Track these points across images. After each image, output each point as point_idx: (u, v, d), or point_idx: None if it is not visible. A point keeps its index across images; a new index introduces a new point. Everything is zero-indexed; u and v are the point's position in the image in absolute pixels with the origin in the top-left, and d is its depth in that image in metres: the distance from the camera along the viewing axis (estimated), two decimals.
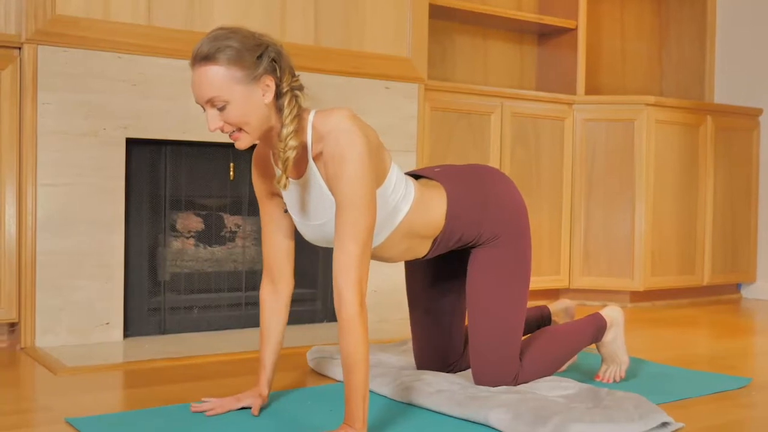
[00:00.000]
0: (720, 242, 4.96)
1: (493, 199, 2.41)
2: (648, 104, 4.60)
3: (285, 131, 2.02)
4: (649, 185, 4.58)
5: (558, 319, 2.93)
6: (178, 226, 3.53)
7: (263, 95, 2.02)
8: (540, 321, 2.87)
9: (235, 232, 3.66)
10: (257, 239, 3.71)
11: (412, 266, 2.62)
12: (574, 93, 4.79)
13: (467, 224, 2.36)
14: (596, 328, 2.62)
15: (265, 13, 3.50)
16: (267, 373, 2.29)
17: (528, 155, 4.45)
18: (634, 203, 4.57)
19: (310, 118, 2.09)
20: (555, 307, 2.95)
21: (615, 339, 2.65)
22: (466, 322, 2.53)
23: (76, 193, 3.11)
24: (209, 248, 3.60)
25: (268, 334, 2.31)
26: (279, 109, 2.05)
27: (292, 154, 2.02)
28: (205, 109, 2.02)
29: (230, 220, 3.65)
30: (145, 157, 3.34)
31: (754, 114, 5.14)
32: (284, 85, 2.05)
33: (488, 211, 2.38)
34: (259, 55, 2.01)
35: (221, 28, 2.03)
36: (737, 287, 5.24)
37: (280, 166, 2.03)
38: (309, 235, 2.26)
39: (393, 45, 3.85)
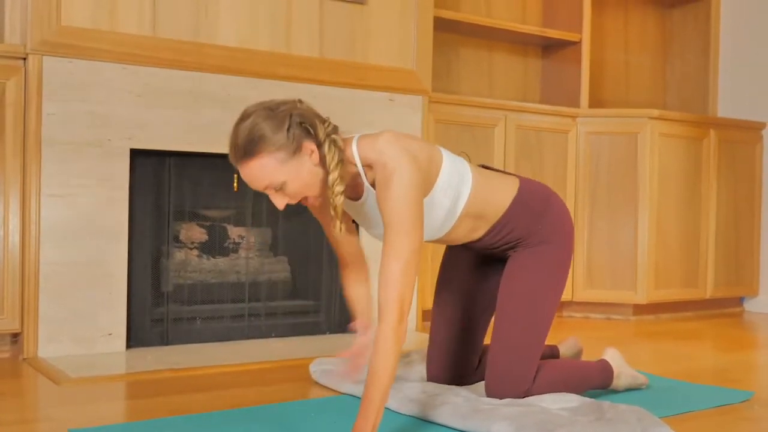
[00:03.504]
0: (723, 255, 4.95)
1: (555, 207, 2.50)
2: (651, 117, 4.60)
3: (331, 178, 2.09)
4: (653, 198, 4.58)
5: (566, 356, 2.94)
6: (182, 237, 3.53)
7: (310, 158, 2.09)
8: (549, 356, 2.88)
9: (239, 243, 3.67)
10: (260, 250, 3.71)
11: (453, 253, 2.68)
12: (577, 106, 4.79)
13: (527, 216, 2.43)
14: (604, 374, 2.63)
15: (271, 26, 3.51)
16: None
17: (532, 168, 4.46)
18: (638, 216, 4.57)
19: (354, 146, 2.17)
20: (564, 348, 2.95)
21: (626, 378, 2.69)
22: (487, 340, 2.56)
23: (80, 203, 3.12)
24: (212, 259, 3.60)
25: (357, 294, 2.51)
26: (323, 160, 2.11)
27: (340, 200, 2.09)
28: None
29: (234, 232, 3.65)
30: (150, 168, 3.34)
31: (757, 128, 5.14)
32: (320, 137, 2.11)
33: (548, 213, 2.47)
34: (288, 128, 2.06)
35: (243, 116, 2.09)
36: (740, 301, 5.23)
37: (332, 212, 2.11)
38: (375, 237, 2.38)
39: (397, 57, 3.86)
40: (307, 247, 3.77)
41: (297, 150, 2.06)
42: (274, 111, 2.08)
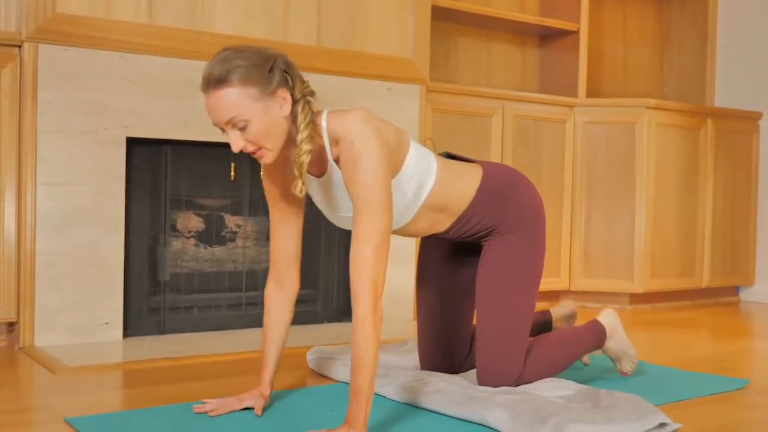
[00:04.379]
0: (719, 245, 4.96)
1: (523, 192, 2.46)
2: (649, 107, 4.60)
3: (300, 137, 2.04)
4: (650, 188, 4.58)
5: (559, 326, 2.93)
6: (179, 226, 3.53)
7: (280, 108, 2.04)
8: (542, 327, 2.88)
9: (236, 232, 3.66)
10: (258, 240, 3.71)
11: (428, 246, 2.64)
12: (575, 96, 4.79)
13: (494, 205, 2.39)
14: (596, 336, 2.64)
15: (268, 13, 3.50)
16: (269, 372, 2.29)
17: (529, 157, 4.46)
18: (635, 206, 4.57)
19: (324, 119, 2.11)
20: (557, 313, 2.95)
21: (618, 342, 2.68)
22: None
23: (76, 192, 3.11)
24: (209, 248, 3.60)
25: (272, 333, 2.31)
26: (293, 117, 2.06)
27: (306, 159, 2.03)
28: (224, 131, 2.04)
29: (231, 221, 3.65)
30: (146, 157, 3.34)
31: (754, 117, 5.14)
32: (297, 93, 2.07)
33: (515, 200, 2.43)
34: (270, 69, 2.02)
35: (226, 49, 2.04)
36: (736, 290, 5.24)
37: (296, 171, 2.04)
38: (338, 223, 2.32)
39: (395, 46, 3.85)
40: (303, 236, 3.76)
41: (271, 93, 2.01)
42: (261, 51, 2.05)
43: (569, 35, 4.91)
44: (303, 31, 3.59)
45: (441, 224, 2.39)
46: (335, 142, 2.09)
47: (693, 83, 5.51)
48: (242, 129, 2.01)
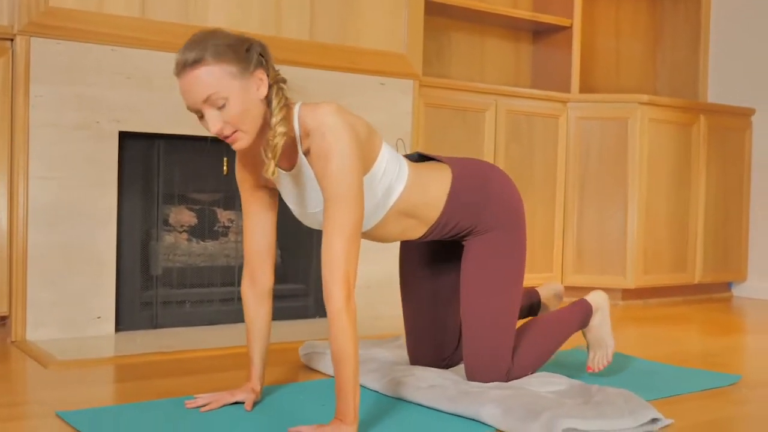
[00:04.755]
0: (712, 241, 4.97)
1: (496, 189, 2.43)
2: (642, 103, 4.60)
3: (274, 119, 2.02)
4: (642, 183, 4.59)
5: (548, 303, 2.93)
6: (171, 221, 3.52)
7: (257, 89, 2.02)
8: (530, 309, 2.88)
9: (228, 227, 3.66)
10: None
11: (407, 248, 2.62)
12: (568, 91, 4.79)
13: (467, 209, 2.37)
14: (583, 315, 2.64)
15: (261, 8, 3.50)
16: (257, 368, 2.29)
17: (522, 153, 4.46)
18: (627, 201, 4.58)
19: (296, 110, 2.08)
20: (545, 292, 2.95)
21: (601, 323, 2.67)
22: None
23: (69, 186, 3.10)
24: (202, 243, 3.59)
25: (255, 329, 2.31)
26: (268, 103, 2.04)
27: (281, 140, 2.01)
28: (200, 115, 2.00)
29: (223, 215, 3.65)
30: (139, 151, 3.33)
31: (746, 114, 5.15)
32: (270, 78, 2.05)
33: (489, 199, 2.40)
34: (247, 49, 2.01)
35: (200, 32, 2.02)
36: (728, 286, 5.25)
37: (269, 153, 2.01)
38: (307, 221, 2.28)
39: (388, 41, 3.85)
40: (295, 231, 3.76)
41: (250, 74, 1.99)
42: (234, 34, 2.03)
43: (562, 31, 4.91)
44: (296, 25, 3.59)
45: (414, 231, 2.37)
46: (306, 134, 2.06)
47: (686, 79, 5.52)
48: (221, 108, 1.97)
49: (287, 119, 2.04)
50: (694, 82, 5.46)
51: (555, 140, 4.59)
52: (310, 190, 2.15)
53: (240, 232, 3.67)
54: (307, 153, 2.08)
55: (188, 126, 3.31)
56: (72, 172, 3.10)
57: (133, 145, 3.30)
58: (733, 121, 5.08)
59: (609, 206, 4.61)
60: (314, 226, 2.28)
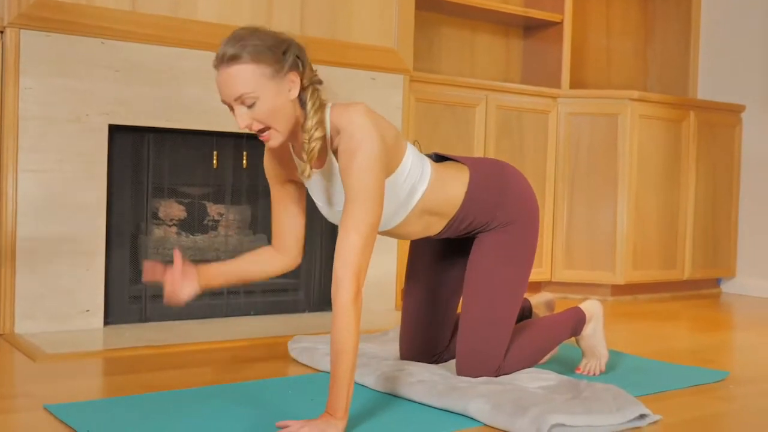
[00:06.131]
0: (701, 237, 4.99)
1: (513, 187, 2.48)
2: (632, 99, 4.61)
3: (309, 123, 2.08)
4: (632, 180, 4.60)
5: (539, 312, 2.94)
6: (161, 214, 3.51)
7: (289, 91, 2.07)
8: (521, 314, 2.89)
9: (218, 220, 3.65)
10: (240, 228, 3.70)
11: (419, 242, 2.64)
12: (558, 87, 4.80)
13: (484, 206, 2.41)
14: (576, 322, 2.65)
15: (252, 1, 3.49)
16: (215, 269, 2.35)
17: (512, 148, 4.46)
18: (617, 197, 4.59)
19: (327, 111, 2.13)
20: (536, 300, 2.97)
21: (594, 333, 2.67)
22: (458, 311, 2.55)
23: (58, 179, 3.09)
24: (191, 236, 3.58)
25: (246, 257, 2.41)
26: (302, 103, 2.10)
27: (317, 145, 2.07)
28: (232, 108, 2.06)
29: (213, 209, 3.64)
30: (128, 144, 3.32)
31: (736, 110, 5.17)
32: (306, 79, 2.10)
33: (506, 197, 2.44)
34: (284, 51, 2.06)
35: (243, 29, 2.08)
36: (717, 282, 5.27)
37: (305, 157, 2.08)
38: (333, 219, 2.33)
39: (379, 36, 3.84)
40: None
41: (283, 75, 2.04)
42: (276, 34, 2.08)
43: (553, 26, 4.91)
44: (287, 19, 3.58)
45: (434, 227, 2.41)
46: (336, 133, 2.12)
47: (676, 75, 5.53)
48: (250, 106, 2.03)
49: (321, 122, 2.09)
50: (685, 78, 5.47)
51: (545, 136, 4.60)
52: (337, 188, 2.19)
53: (230, 225, 3.67)
54: (335, 151, 2.14)
55: (178, 119, 3.31)
56: (61, 165, 3.09)
57: (123, 139, 3.29)
58: (723, 117, 5.10)
59: (599, 202, 4.62)
60: (337, 222, 2.31)
